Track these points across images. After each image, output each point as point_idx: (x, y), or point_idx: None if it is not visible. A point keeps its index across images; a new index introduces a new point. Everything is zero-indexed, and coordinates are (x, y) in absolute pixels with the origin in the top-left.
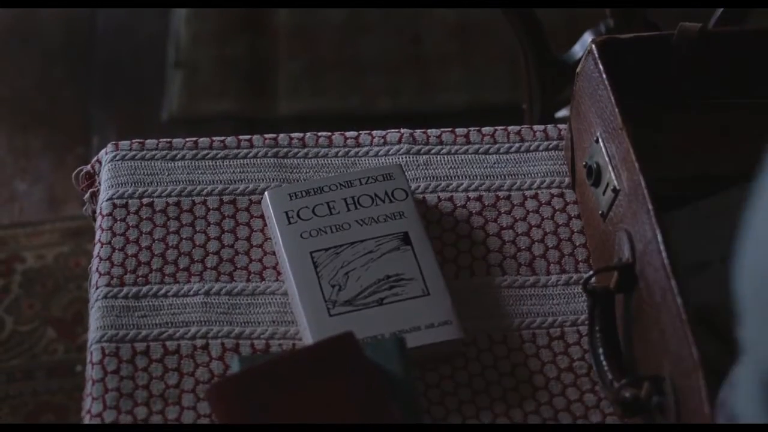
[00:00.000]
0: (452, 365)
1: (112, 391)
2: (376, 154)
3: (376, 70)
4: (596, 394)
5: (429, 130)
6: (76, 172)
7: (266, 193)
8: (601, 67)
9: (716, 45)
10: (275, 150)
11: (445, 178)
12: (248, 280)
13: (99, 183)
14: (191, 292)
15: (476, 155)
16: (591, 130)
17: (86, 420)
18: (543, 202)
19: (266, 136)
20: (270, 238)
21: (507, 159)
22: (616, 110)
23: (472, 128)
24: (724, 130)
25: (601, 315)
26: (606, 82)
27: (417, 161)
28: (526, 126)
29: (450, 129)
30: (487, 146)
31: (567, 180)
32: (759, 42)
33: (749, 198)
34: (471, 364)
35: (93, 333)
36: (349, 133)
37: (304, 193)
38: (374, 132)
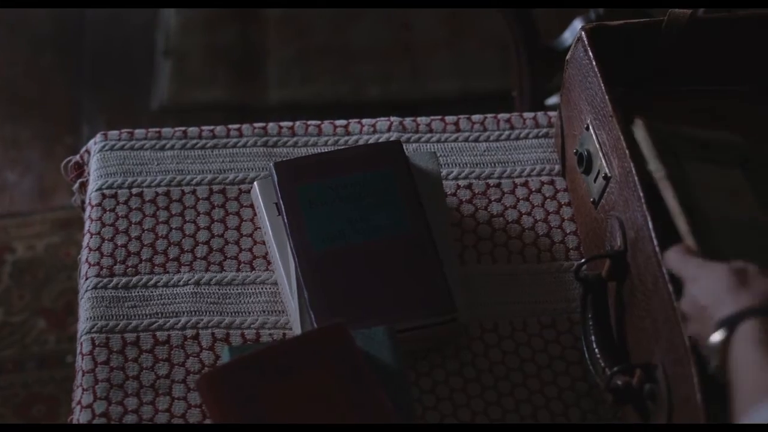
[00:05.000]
0: (443, 354)
1: (103, 382)
2: (366, 143)
3: (366, 57)
4: (587, 382)
5: (419, 118)
6: (64, 162)
7: (255, 182)
8: (590, 54)
9: (706, 31)
10: (264, 139)
11: None
12: (238, 270)
13: (88, 173)
14: (181, 282)
15: (466, 143)
16: (581, 117)
17: (77, 411)
18: (533, 189)
19: (255, 125)
20: (260, 228)
21: (497, 147)
22: (606, 97)
23: (461, 116)
24: (714, 116)
25: (594, 303)
26: (596, 69)
27: (406, 149)
28: (515, 114)
29: (439, 117)
30: (477, 134)
31: (557, 168)
32: (749, 28)
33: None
34: (462, 353)
35: (83, 324)
36: (338, 122)
37: None
38: (364, 120)
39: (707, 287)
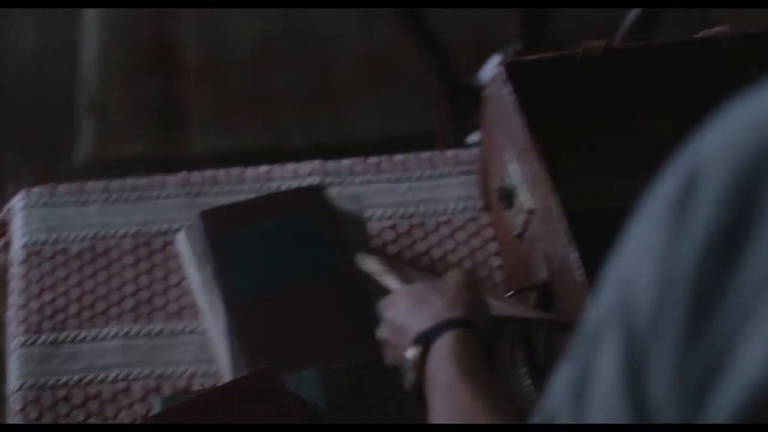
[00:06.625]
0: (375, 396)
1: None
2: (289, 188)
3: (288, 103)
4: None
5: (341, 161)
6: None
7: (180, 232)
8: (508, 89)
9: (621, 61)
10: (188, 189)
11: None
12: (166, 321)
13: (12, 231)
14: (110, 336)
15: (388, 184)
16: (502, 152)
17: None
18: (457, 226)
19: (178, 175)
20: (186, 278)
21: (419, 186)
22: (525, 130)
23: (383, 156)
24: (632, 144)
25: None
26: (514, 104)
27: (330, 193)
28: (436, 152)
29: (361, 158)
30: (399, 174)
31: (480, 203)
32: (663, 56)
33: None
34: (395, 394)
35: (13, 382)
36: (261, 168)
37: None
38: (286, 165)
39: (404, 308)
